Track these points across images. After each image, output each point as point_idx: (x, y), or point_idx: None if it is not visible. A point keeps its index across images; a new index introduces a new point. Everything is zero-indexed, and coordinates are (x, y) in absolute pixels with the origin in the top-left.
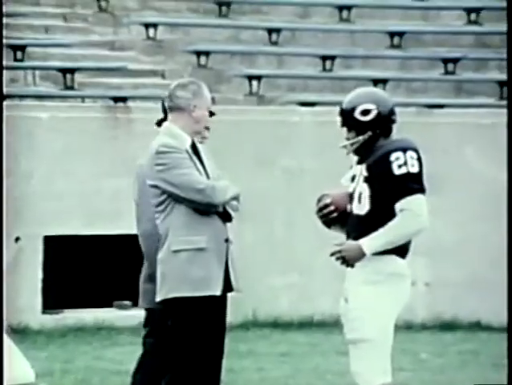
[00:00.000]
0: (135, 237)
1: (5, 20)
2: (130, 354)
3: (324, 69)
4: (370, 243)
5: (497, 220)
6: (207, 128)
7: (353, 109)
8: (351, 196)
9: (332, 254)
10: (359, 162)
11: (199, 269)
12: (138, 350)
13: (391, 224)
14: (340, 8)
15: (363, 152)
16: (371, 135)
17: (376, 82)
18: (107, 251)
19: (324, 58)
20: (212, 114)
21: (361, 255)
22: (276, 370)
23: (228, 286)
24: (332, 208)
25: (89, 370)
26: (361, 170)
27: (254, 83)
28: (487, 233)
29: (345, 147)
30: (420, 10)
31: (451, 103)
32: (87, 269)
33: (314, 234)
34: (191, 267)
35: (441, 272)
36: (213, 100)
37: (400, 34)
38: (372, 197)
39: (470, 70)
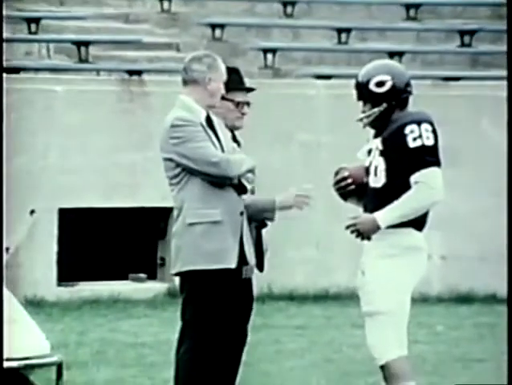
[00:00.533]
0: (150, 209)
1: None
2: (145, 326)
3: (340, 42)
4: (384, 216)
5: None
6: (247, 104)
7: (368, 81)
8: (367, 170)
9: (347, 227)
10: (376, 136)
11: (214, 242)
12: (153, 323)
13: (405, 196)
14: None
15: (379, 125)
16: (387, 107)
17: (392, 54)
18: (123, 224)
19: (340, 30)
20: (251, 89)
21: (376, 228)
22: (292, 343)
23: (243, 259)
24: (349, 180)
25: (104, 342)
26: (377, 144)
27: (269, 56)
28: (503, 206)
29: (361, 120)
30: None
31: (467, 75)
32: (103, 242)
33: (331, 208)
34: (206, 240)
35: (457, 245)
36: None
37: (417, 6)
38: (388, 170)
39: (487, 42)
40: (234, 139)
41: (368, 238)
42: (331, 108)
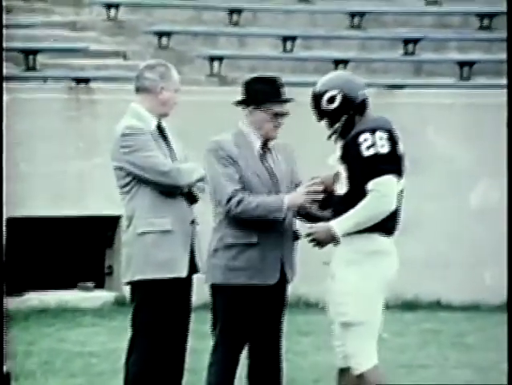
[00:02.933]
0: (98, 218)
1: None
2: (93, 335)
3: (285, 50)
4: (340, 224)
5: (457, 199)
6: (277, 126)
7: (319, 101)
8: (335, 176)
9: (306, 236)
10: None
11: (164, 251)
12: (101, 332)
13: (359, 205)
14: None
15: (346, 134)
16: (347, 118)
17: (337, 62)
18: (71, 232)
19: (285, 38)
20: (288, 100)
21: (332, 236)
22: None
23: (193, 268)
24: (321, 188)
25: (52, 352)
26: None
27: (216, 63)
28: (447, 212)
29: (330, 137)
30: None
31: (411, 83)
32: (51, 251)
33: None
34: (156, 249)
35: (402, 251)
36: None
37: (361, 14)
38: (349, 178)
39: (430, 50)
40: (263, 148)
41: (323, 246)
42: None
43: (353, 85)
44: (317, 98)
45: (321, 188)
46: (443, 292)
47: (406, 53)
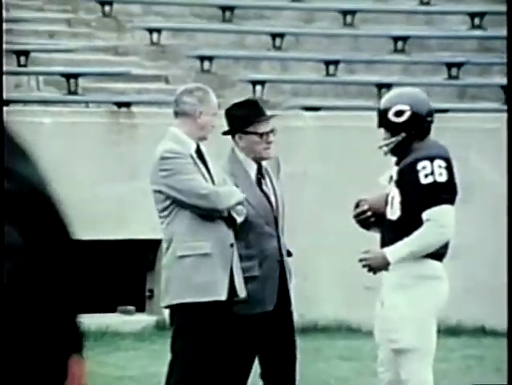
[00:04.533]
0: (139, 241)
1: (9, 25)
2: (133, 359)
3: (328, 74)
4: (394, 252)
5: (502, 226)
6: (272, 132)
7: (387, 110)
8: (387, 199)
9: (360, 261)
10: (397, 163)
11: (203, 274)
12: (141, 356)
13: (415, 234)
14: (344, 13)
15: (399, 153)
16: (405, 137)
17: (380, 86)
18: (111, 256)
19: (328, 62)
20: (271, 117)
21: (385, 263)
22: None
23: (233, 291)
24: (369, 213)
25: (92, 375)
26: (394, 173)
27: (258, 87)
28: (491, 238)
29: (381, 147)
30: (424, 14)
31: (455, 107)
32: (92, 275)
33: (319, 239)
34: (195, 273)
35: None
36: (219, 105)
37: (404, 38)
38: (403, 203)
39: (474, 74)
40: (260, 171)
41: (375, 272)
42: (319, 140)
43: (425, 107)
44: (386, 106)
45: (369, 213)
46: (487, 318)
47: (449, 77)
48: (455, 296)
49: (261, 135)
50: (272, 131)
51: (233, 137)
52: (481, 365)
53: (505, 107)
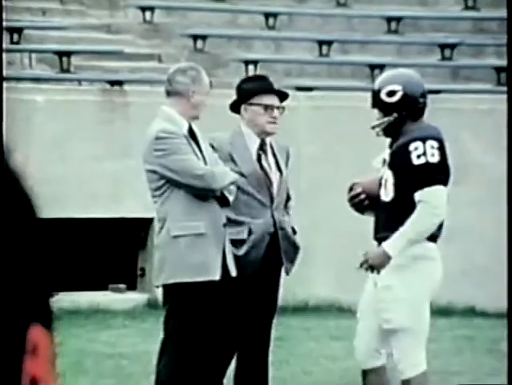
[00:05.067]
0: (131, 220)
1: (2, 2)
2: (124, 337)
3: (321, 54)
4: (393, 245)
5: (494, 207)
6: (278, 108)
7: (380, 90)
8: (380, 181)
9: (360, 266)
10: (390, 146)
11: (198, 254)
12: (132, 334)
13: (409, 221)
14: None
15: (391, 134)
16: (397, 117)
17: (373, 67)
18: (103, 234)
19: (321, 43)
20: (281, 93)
21: (387, 258)
22: (270, 355)
23: (225, 271)
24: (363, 196)
25: (82, 352)
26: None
27: (251, 67)
28: (483, 219)
29: (374, 127)
30: None
31: (448, 88)
32: (83, 252)
33: (311, 219)
34: (190, 252)
35: None
36: (211, 84)
37: (398, 19)
38: (396, 185)
39: (467, 55)
40: (262, 147)
41: (379, 271)
42: (312, 119)
43: (418, 88)
44: (379, 86)
45: (363, 196)
46: (478, 298)
47: (443, 58)
48: (446, 276)
49: (265, 107)
50: (279, 108)
51: (240, 111)
52: (471, 345)
53: (498, 88)
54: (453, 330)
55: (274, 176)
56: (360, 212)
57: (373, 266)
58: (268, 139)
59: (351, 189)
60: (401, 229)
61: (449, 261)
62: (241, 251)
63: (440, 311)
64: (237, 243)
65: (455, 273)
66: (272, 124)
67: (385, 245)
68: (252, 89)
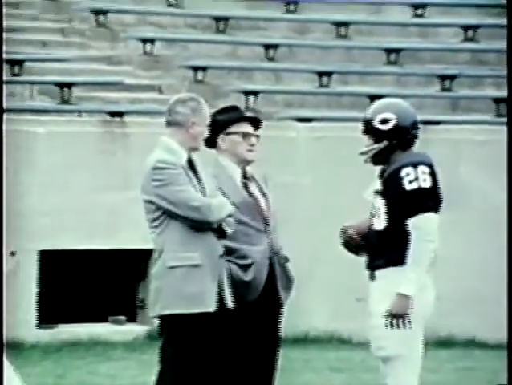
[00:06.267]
0: (131, 251)
1: (3, 35)
2: (123, 369)
3: (321, 85)
4: (406, 285)
5: (492, 237)
6: (255, 136)
7: (373, 117)
8: (371, 211)
9: (388, 325)
10: (380, 176)
11: (194, 285)
12: (131, 366)
13: (411, 259)
14: (338, 24)
15: (379, 162)
16: (387, 145)
17: (373, 98)
18: (103, 265)
19: (321, 74)
20: (254, 120)
21: (407, 300)
22: None
23: (222, 302)
24: (357, 237)
25: (83, 384)
26: (378, 185)
27: (251, 98)
28: (483, 249)
29: (362, 153)
30: (417, 26)
31: (447, 119)
32: (83, 284)
33: (311, 250)
34: (185, 283)
35: (437, 287)
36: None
37: (397, 50)
38: (388, 213)
39: (466, 87)
40: (245, 176)
41: (405, 318)
42: (312, 150)
43: (410, 119)
44: (373, 114)
45: (357, 238)
46: (478, 330)
47: (442, 89)
48: (446, 307)
49: (244, 135)
50: (256, 135)
51: (216, 144)
52: (472, 377)
53: (497, 120)
54: (454, 362)
55: (262, 201)
56: (355, 253)
57: (400, 315)
58: (249, 169)
59: (343, 232)
60: (407, 269)
61: (448, 291)
62: (249, 276)
63: (440, 343)
64: (242, 268)
65: (455, 304)
66: (251, 152)
67: (400, 290)
68: (228, 119)
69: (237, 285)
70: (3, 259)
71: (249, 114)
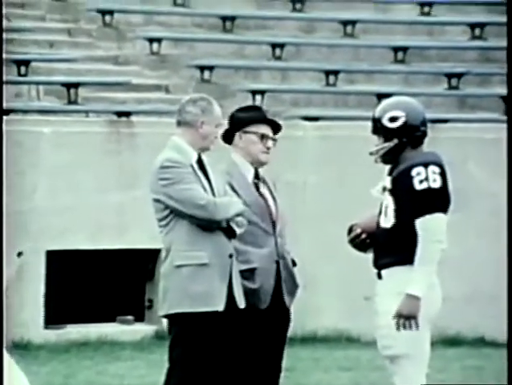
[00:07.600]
0: (138, 251)
1: (10, 35)
2: (132, 369)
3: (328, 84)
4: (414, 286)
5: (501, 235)
6: (272, 140)
7: (382, 115)
8: (379, 209)
9: (398, 326)
10: (389, 173)
11: (200, 284)
12: (140, 366)
13: (419, 260)
14: (344, 23)
15: (389, 161)
16: (398, 144)
17: (380, 97)
18: (111, 265)
19: (328, 72)
20: (275, 124)
21: (416, 301)
22: None
23: (232, 302)
24: (364, 236)
25: (91, 384)
26: (387, 182)
27: (258, 97)
28: (491, 248)
29: (372, 153)
30: (425, 25)
31: (454, 117)
32: (91, 284)
33: (319, 249)
34: (192, 282)
35: (445, 286)
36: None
37: (404, 49)
38: (397, 211)
39: (474, 85)
40: (257, 176)
41: (415, 317)
42: (318, 149)
43: (419, 117)
44: (381, 112)
45: (364, 236)
46: (487, 328)
47: (450, 87)
48: (454, 306)
49: (261, 136)
50: (274, 139)
51: (232, 141)
52: (480, 375)
53: (505, 118)
54: (462, 360)
55: (272, 203)
56: (363, 251)
57: (410, 316)
58: (261, 171)
59: (350, 231)
60: (414, 270)
61: (456, 291)
62: (256, 284)
63: (448, 341)
64: (247, 274)
65: (463, 303)
66: (265, 154)
67: (408, 291)
68: (249, 117)
69: (246, 294)
70: (3, 259)
71: (270, 117)
